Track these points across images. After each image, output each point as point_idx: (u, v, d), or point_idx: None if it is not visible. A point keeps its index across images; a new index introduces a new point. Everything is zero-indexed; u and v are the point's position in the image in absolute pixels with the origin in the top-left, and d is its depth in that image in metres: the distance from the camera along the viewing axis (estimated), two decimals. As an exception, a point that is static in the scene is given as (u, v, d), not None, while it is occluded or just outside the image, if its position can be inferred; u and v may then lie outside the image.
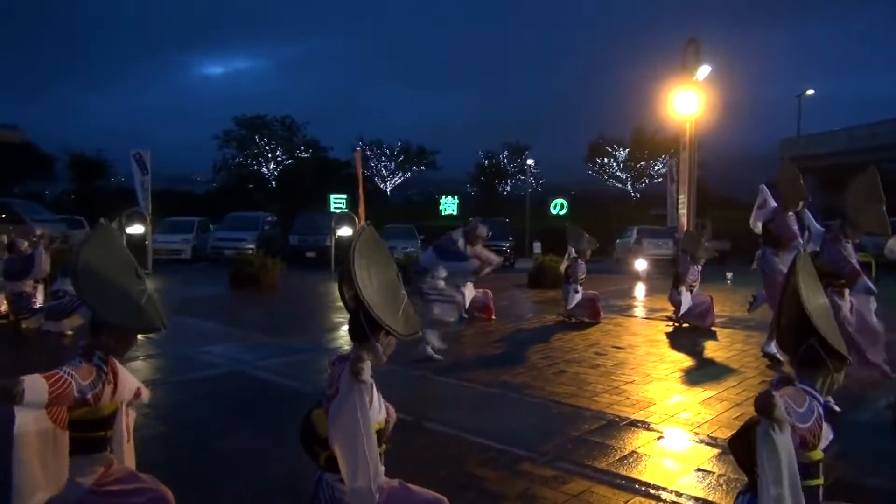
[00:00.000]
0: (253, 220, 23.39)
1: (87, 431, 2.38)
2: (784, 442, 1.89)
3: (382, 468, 2.42)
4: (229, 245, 20.97)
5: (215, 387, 5.79)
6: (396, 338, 2.45)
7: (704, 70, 15.81)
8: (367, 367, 2.25)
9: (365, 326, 2.38)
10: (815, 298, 2.32)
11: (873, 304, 5.61)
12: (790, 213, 6.51)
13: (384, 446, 2.49)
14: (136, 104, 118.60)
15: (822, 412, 2.17)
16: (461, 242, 7.07)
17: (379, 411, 2.45)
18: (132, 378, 2.61)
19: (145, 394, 2.67)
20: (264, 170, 49.37)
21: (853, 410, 5.08)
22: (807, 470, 2.17)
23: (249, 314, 10.29)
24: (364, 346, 2.42)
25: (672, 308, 9.20)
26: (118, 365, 2.52)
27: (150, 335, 7.24)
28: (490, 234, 7.13)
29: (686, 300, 8.81)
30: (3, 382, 2.07)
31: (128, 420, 2.56)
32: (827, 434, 2.22)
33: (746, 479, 2.19)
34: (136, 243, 17.88)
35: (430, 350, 6.78)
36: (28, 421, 2.15)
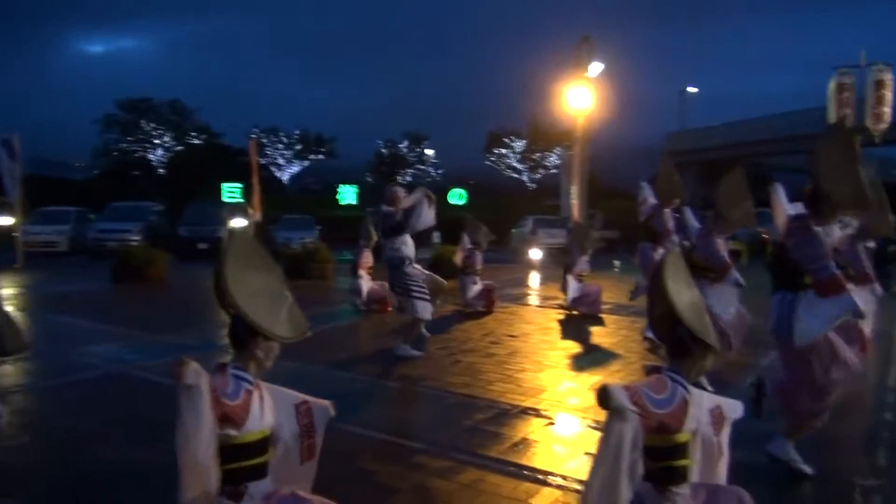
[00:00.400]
0: (138, 210, 22.13)
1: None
2: (617, 429, 2.08)
3: (215, 483, 2.27)
4: (112, 237, 19.71)
5: (93, 391, 5.45)
6: (280, 342, 2.39)
7: (596, 67, 16.47)
8: (188, 371, 2.07)
9: (242, 332, 2.31)
10: (682, 292, 2.47)
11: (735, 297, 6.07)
12: (666, 209, 6.96)
13: (267, 455, 2.40)
14: (4, 82, 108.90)
15: (686, 397, 2.33)
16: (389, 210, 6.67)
17: (259, 420, 2.35)
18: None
19: None
20: (151, 156, 46.81)
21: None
22: (671, 452, 2.33)
23: (134, 311, 9.75)
24: (244, 353, 2.35)
25: (564, 297, 9.55)
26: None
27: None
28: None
29: (573, 288, 9.17)
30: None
31: None
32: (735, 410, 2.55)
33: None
34: (3, 235, 16.52)
35: (408, 350, 6.63)
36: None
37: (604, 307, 9.39)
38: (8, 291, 11.41)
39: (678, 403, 2.30)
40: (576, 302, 9.25)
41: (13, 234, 15.86)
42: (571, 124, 17.35)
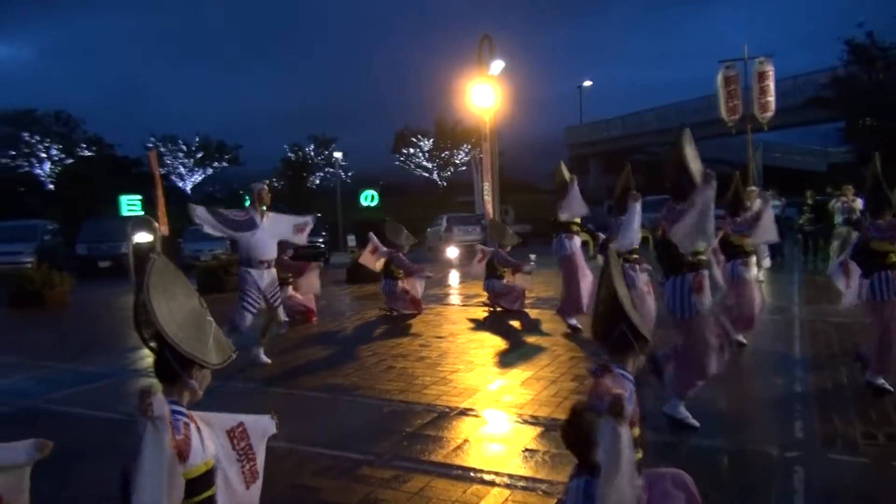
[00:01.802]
0: (29, 230, 20.59)
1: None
2: (628, 434, 2.08)
3: None
4: (2, 260, 18.31)
5: (2, 430, 5.04)
6: (210, 368, 2.30)
7: (498, 65, 16.75)
8: (157, 401, 2.02)
9: (174, 365, 2.20)
10: (622, 288, 2.56)
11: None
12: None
13: (211, 490, 2.31)
14: None
15: (633, 393, 2.42)
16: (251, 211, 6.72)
17: (202, 452, 2.25)
18: None
19: None
20: (38, 171, 43.72)
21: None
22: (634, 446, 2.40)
23: (35, 338, 9.08)
24: (176, 386, 2.24)
25: (487, 294, 9.68)
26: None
27: None
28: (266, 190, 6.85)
29: (504, 285, 9.35)
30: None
31: None
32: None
33: (577, 461, 2.36)
34: None
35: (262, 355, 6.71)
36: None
37: (526, 301, 9.58)
38: None
39: (634, 400, 2.38)
40: (499, 298, 9.40)
41: None
42: (477, 122, 17.60)
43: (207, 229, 6.69)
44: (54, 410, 5.46)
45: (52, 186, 41.96)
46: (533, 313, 9.17)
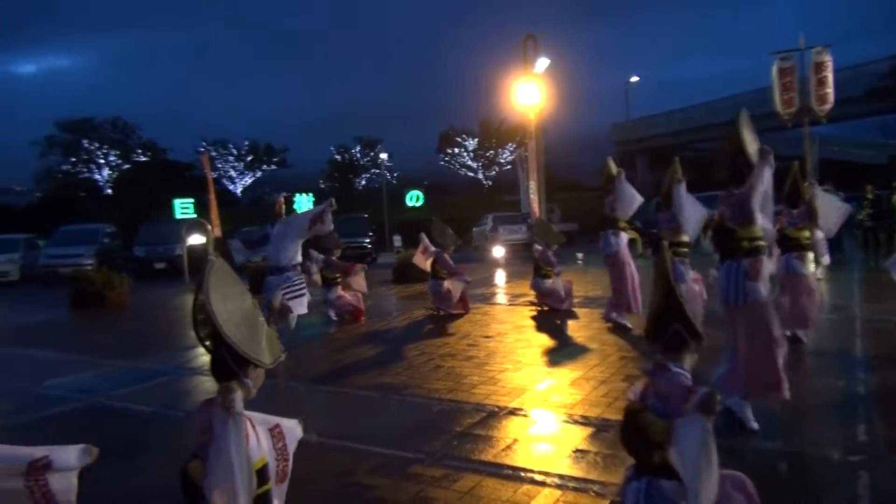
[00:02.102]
0: (90, 233, 21.42)
1: None
2: (712, 431, 2.06)
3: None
4: (64, 262, 19.08)
5: (69, 425, 5.27)
6: (263, 368, 2.37)
7: (543, 63, 16.62)
8: (238, 398, 2.13)
9: (231, 364, 2.27)
10: (678, 286, 2.53)
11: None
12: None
13: (268, 484, 2.37)
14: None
15: None
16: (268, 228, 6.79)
17: (258, 448, 2.33)
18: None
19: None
20: (97, 176, 45.43)
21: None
22: None
23: (97, 338, 9.44)
24: (232, 384, 2.31)
25: (534, 294, 9.63)
26: None
27: None
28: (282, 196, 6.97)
29: (549, 285, 9.27)
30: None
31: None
32: None
33: (634, 462, 2.33)
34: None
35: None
36: None
37: (574, 301, 9.50)
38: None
39: None
40: (547, 298, 9.34)
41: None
42: (522, 120, 17.50)
43: (240, 258, 6.93)
44: (116, 407, 5.67)
45: (109, 191, 43.52)
46: (581, 312, 9.08)
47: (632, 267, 7.84)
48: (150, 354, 7.80)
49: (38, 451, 2.18)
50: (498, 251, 18.88)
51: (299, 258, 6.76)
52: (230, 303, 2.30)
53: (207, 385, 6.29)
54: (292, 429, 2.63)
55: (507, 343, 7.45)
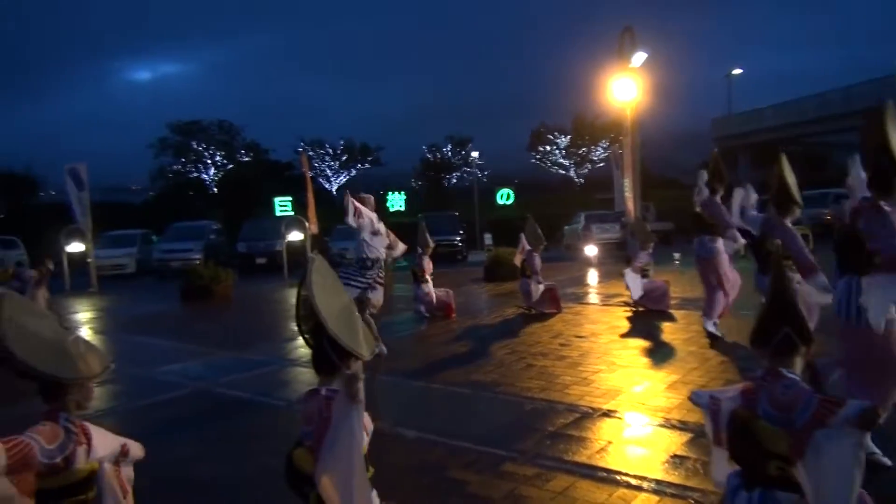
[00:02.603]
0: (198, 230, 22.81)
1: (63, 499, 2.22)
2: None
3: (374, 492, 2.42)
4: (175, 257, 20.39)
5: (182, 409, 5.64)
6: (363, 360, 2.45)
7: (640, 56, 16.15)
8: (362, 387, 2.23)
9: (333, 357, 2.36)
10: (791, 288, 2.41)
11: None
12: (717, 198, 6.95)
13: (371, 470, 2.46)
14: (61, 114, 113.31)
15: None
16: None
17: (364, 436, 2.43)
18: (110, 435, 2.47)
19: (135, 449, 2.52)
20: (204, 176, 48.24)
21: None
22: None
23: (206, 328, 10.05)
24: (334, 377, 2.40)
25: (628, 294, 9.42)
26: (89, 425, 2.37)
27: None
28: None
29: (636, 283, 9.03)
30: None
31: (121, 478, 2.43)
32: None
33: (742, 471, 2.24)
34: (77, 261, 17.24)
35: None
36: None
37: (671, 302, 9.22)
38: (88, 315, 11.93)
39: None
40: (643, 298, 9.11)
41: (87, 259, 16.55)
42: (617, 116, 17.11)
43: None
44: (224, 394, 6.01)
45: (215, 189, 46.05)
46: (679, 314, 8.79)
47: (728, 272, 7.30)
48: (253, 345, 8.21)
49: (120, 440, 2.41)
50: (590, 250, 18.55)
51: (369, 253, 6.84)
52: (331, 298, 2.40)
53: (305, 376, 6.57)
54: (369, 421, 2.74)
55: (600, 343, 7.33)
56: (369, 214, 6.79)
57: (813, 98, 38.77)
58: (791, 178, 5.99)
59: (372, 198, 7.11)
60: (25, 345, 2.20)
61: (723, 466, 2.48)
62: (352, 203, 6.61)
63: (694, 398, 2.80)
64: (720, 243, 7.24)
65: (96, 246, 18.13)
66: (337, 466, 2.17)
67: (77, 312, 12.27)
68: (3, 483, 2.04)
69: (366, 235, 6.75)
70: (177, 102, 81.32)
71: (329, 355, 2.36)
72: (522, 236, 9.76)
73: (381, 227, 6.88)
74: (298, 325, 2.48)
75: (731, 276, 7.34)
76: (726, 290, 7.30)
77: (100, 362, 2.41)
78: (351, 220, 6.65)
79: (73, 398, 2.32)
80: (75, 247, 16.52)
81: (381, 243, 6.88)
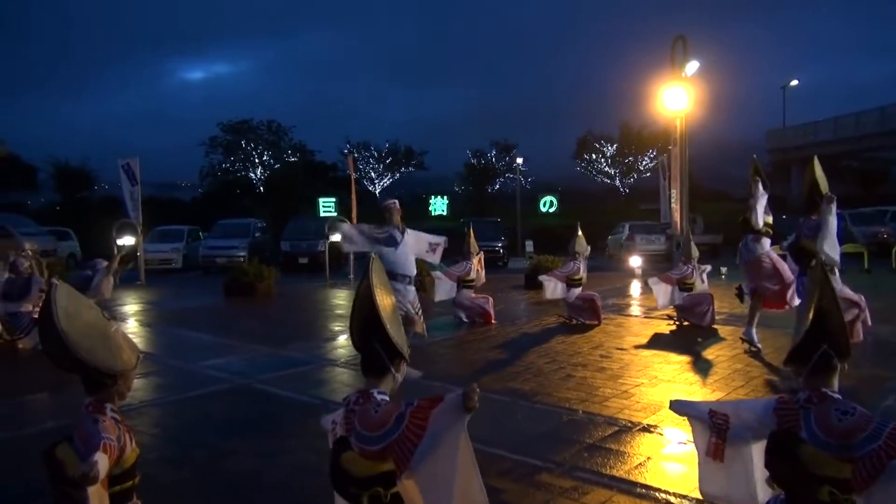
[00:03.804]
0: (244, 227, 23.26)
1: (119, 484, 2.31)
2: None
3: None
4: (221, 253, 20.85)
5: (222, 403, 5.75)
6: (406, 362, 2.47)
7: (692, 66, 15.89)
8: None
9: (385, 359, 2.37)
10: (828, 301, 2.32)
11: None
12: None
13: None
14: (116, 111, 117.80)
15: None
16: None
17: None
18: None
19: None
20: (252, 175, 49.23)
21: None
22: None
23: (248, 325, 10.23)
24: (384, 379, 2.41)
25: (672, 307, 9.26)
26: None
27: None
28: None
29: (663, 292, 8.89)
30: (81, 470, 1.98)
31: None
32: None
33: (787, 497, 2.17)
34: (128, 255, 17.77)
35: None
36: (94, 494, 2.12)
37: (717, 317, 9.03)
38: (135, 307, 12.28)
39: None
40: (686, 312, 8.95)
41: (136, 253, 17.05)
42: (666, 126, 16.84)
43: (348, 246, 7.24)
44: (264, 390, 6.11)
45: (262, 189, 46.92)
46: (724, 330, 8.59)
47: (781, 272, 7.15)
48: (293, 343, 8.33)
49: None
50: (634, 261, 18.28)
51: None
52: (385, 299, 2.42)
53: (343, 376, 6.64)
54: None
55: (642, 357, 7.22)
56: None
57: (873, 112, 37.56)
58: (823, 182, 6.11)
59: (396, 203, 7.25)
60: (78, 335, 2.26)
61: (716, 479, 2.54)
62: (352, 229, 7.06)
63: (678, 408, 2.75)
64: (765, 243, 7.20)
65: (145, 240, 18.65)
66: (436, 485, 2.12)
67: (125, 305, 12.63)
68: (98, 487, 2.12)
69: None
70: (228, 102, 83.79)
71: (381, 357, 2.37)
72: (574, 244, 9.72)
73: (395, 233, 6.98)
74: (351, 325, 2.50)
75: (784, 269, 7.16)
76: (785, 280, 7.09)
77: (134, 353, 2.48)
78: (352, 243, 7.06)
79: (118, 389, 2.40)
80: (126, 240, 17.00)
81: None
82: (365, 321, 2.35)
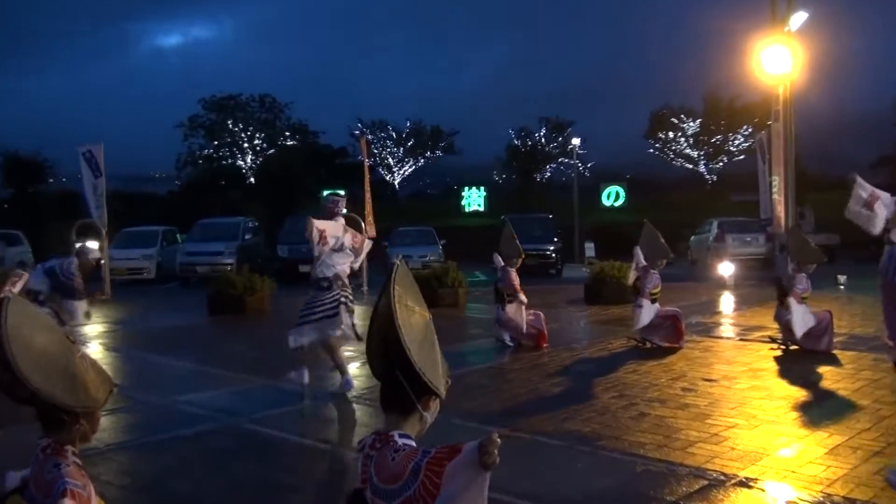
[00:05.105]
0: (231, 228, 23.58)
1: None
2: None
3: None
4: (203, 260, 21.16)
5: (205, 448, 5.82)
6: (440, 399, 2.42)
7: (800, 18, 15.68)
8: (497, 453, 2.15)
9: (411, 394, 2.33)
10: None
11: None
12: None
13: None
14: (74, 87, 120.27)
15: None
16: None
17: None
18: None
19: None
20: (240, 163, 49.90)
21: None
22: None
23: (236, 349, 10.35)
24: (409, 419, 2.38)
25: (777, 326, 9.12)
26: None
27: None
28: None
29: (802, 318, 8.63)
30: None
31: None
32: None
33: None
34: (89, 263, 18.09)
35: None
36: None
37: (835, 340, 8.88)
38: (99, 328, 12.50)
39: None
40: (790, 333, 8.79)
41: (100, 260, 17.35)
42: (765, 96, 16.64)
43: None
44: (256, 432, 6.17)
45: (252, 180, 47.54)
46: (845, 356, 8.46)
47: None
48: (293, 373, 8.37)
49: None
50: (725, 268, 18.08)
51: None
52: (414, 317, 2.37)
53: (357, 414, 6.67)
54: None
55: (736, 390, 7.15)
56: (334, 232, 7.41)
57: None
58: None
59: (342, 198, 8.04)
60: (31, 363, 2.28)
61: None
62: (315, 230, 7.27)
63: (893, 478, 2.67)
64: None
65: (111, 244, 18.99)
66: None
67: (85, 324, 12.87)
68: None
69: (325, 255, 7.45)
70: (210, 74, 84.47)
71: (406, 391, 2.34)
72: (637, 250, 9.61)
73: (347, 238, 7.52)
74: (368, 352, 2.47)
75: None
76: None
77: (104, 386, 2.50)
78: (316, 249, 7.39)
79: (80, 429, 2.42)
80: (88, 245, 17.28)
81: (342, 259, 7.53)
82: (384, 344, 2.33)
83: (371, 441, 2.33)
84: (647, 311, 9.27)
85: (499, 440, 2.07)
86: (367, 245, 7.94)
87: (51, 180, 40.46)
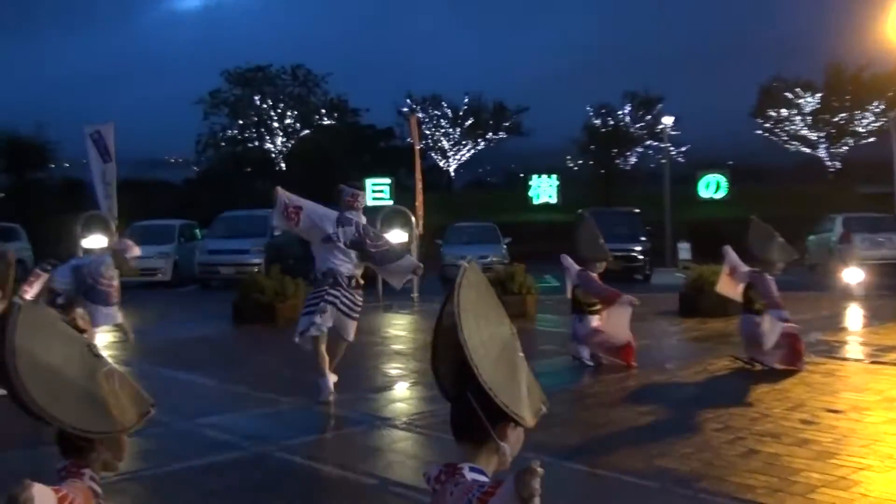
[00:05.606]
0: (258, 223, 23.70)
1: None
2: None
3: None
4: (227, 260, 21.45)
5: (230, 479, 5.91)
6: (525, 427, 2.39)
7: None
8: (539, 484, 2.14)
9: (484, 420, 2.31)
10: None
11: None
12: None
13: None
14: (81, 59, 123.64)
15: None
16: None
17: None
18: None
19: None
20: (269, 145, 50.38)
21: None
22: None
23: (266, 365, 10.49)
24: (483, 451, 2.36)
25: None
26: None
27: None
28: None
29: None
30: (10, 490, 2.10)
31: None
32: None
33: None
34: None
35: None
36: None
37: None
38: (108, 337, 12.77)
39: None
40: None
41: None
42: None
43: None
44: (289, 462, 6.23)
45: (283, 165, 48.07)
46: None
47: None
48: (332, 393, 8.46)
49: None
50: (851, 275, 17.72)
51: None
52: (486, 330, 2.34)
53: (408, 443, 6.68)
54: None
55: (868, 424, 7.02)
56: (315, 217, 7.72)
57: None
58: None
59: (362, 192, 8.41)
60: (39, 381, 2.32)
61: None
62: (280, 197, 7.56)
63: None
64: None
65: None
66: None
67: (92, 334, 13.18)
68: None
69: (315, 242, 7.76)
70: (234, 42, 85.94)
71: (478, 416, 2.32)
72: (728, 250, 9.52)
73: (345, 232, 7.72)
74: (434, 367, 2.46)
75: None
76: None
77: (137, 406, 2.53)
78: (273, 218, 7.77)
79: (101, 456, 2.47)
80: (95, 240, 17.63)
81: (339, 256, 7.74)
82: (452, 362, 2.32)
83: (437, 473, 2.33)
84: (773, 327, 9.11)
85: (540, 469, 2.04)
86: (407, 251, 8.14)
87: (52, 166, 41.17)
